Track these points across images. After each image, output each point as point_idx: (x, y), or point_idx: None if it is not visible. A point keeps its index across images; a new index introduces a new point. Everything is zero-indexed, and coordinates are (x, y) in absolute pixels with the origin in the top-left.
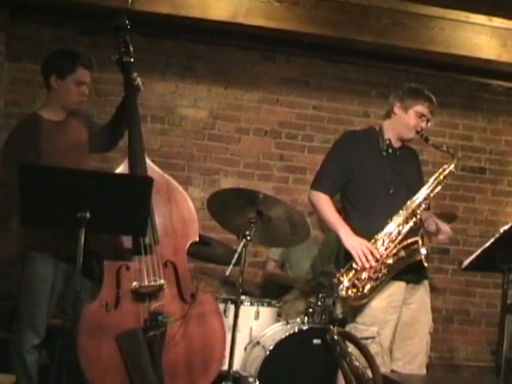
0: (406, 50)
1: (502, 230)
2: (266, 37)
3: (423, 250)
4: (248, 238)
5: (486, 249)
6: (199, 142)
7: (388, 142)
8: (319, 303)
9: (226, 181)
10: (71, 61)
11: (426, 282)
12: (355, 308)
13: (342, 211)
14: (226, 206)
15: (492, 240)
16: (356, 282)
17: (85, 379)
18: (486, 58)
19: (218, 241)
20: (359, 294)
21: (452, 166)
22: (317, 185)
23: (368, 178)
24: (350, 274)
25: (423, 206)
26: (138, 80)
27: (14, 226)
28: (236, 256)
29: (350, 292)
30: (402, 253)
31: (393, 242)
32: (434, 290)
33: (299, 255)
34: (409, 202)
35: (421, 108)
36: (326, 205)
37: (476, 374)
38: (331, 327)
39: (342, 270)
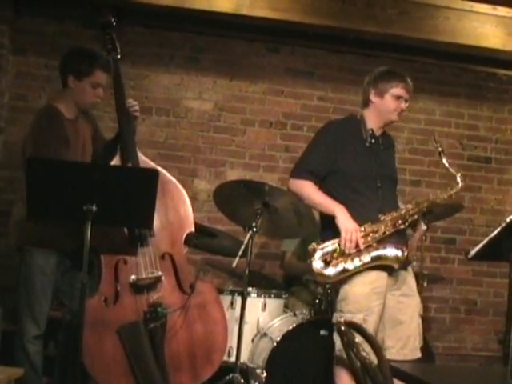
0: (411, 40)
1: (508, 220)
2: (270, 28)
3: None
4: (254, 229)
5: (493, 238)
6: (205, 134)
7: (371, 131)
8: (326, 294)
9: (232, 173)
10: (90, 63)
11: (408, 268)
12: (337, 295)
13: None
14: (232, 198)
15: (498, 229)
16: (328, 259)
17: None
18: (491, 47)
19: (225, 232)
20: (325, 274)
21: (454, 191)
22: (298, 173)
23: (352, 171)
24: (327, 250)
25: (415, 216)
26: (135, 108)
27: (11, 218)
28: (242, 248)
29: (318, 267)
30: (384, 253)
31: (375, 239)
32: (440, 279)
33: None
34: (403, 207)
35: (396, 90)
36: (311, 189)
37: (483, 363)
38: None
39: (322, 244)
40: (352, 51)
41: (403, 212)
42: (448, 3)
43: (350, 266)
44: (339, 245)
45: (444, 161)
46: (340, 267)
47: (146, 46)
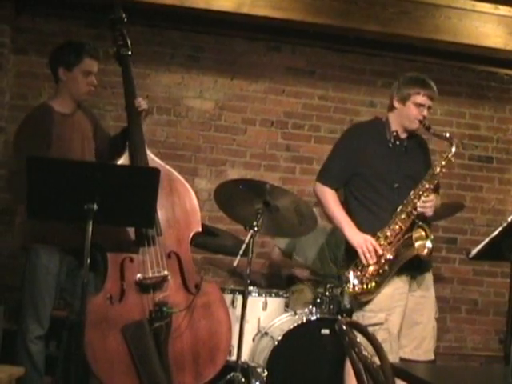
0: (412, 39)
1: (509, 219)
2: (271, 27)
3: (428, 244)
4: (255, 228)
5: (494, 238)
6: (205, 133)
7: (395, 133)
8: (327, 293)
9: (233, 172)
10: (77, 52)
11: (429, 271)
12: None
13: (344, 203)
14: (233, 197)
15: (499, 229)
16: (363, 278)
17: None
18: (492, 46)
19: (226, 232)
20: (365, 290)
21: (450, 154)
22: (322, 178)
23: (373, 172)
24: (357, 272)
25: (423, 198)
26: (143, 105)
27: (17, 218)
28: (243, 247)
29: (356, 289)
30: (401, 248)
31: (396, 236)
32: (441, 279)
33: (307, 245)
34: (411, 195)
35: (417, 98)
36: (331, 200)
37: (484, 363)
38: (339, 317)
39: (350, 268)
40: (353, 50)
41: (411, 199)
42: (449, 2)
43: (383, 273)
44: (361, 261)
45: (433, 132)
46: (375, 279)
47: (146, 45)
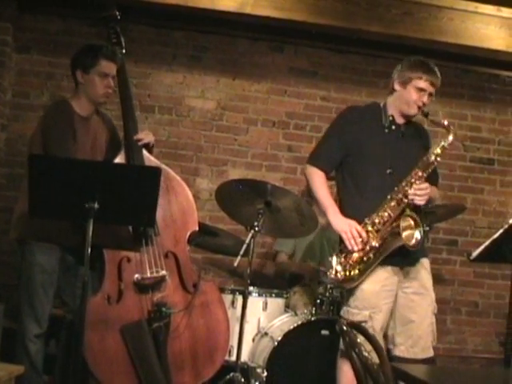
0: (414, 41)
1: (510, 221)
2: (273, 27)
3: (417, 234)
4: (256, 228)
5: (495, 240)
6: (207, 132)
7: (391, 118)
8: (327, 294)
9: (234, 172)
10: (94, 54)
11: (424, 262)
12: (348, 291)
13: (337, 187)
14: (234, 197)
15: (501, 231)
16: (346, 265)
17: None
18: (494, 48)
19: (227, 232)
20: (348, 277)
21: (447, 143)
22: (313, 160)
23: (365, 155)
24: (341, 258)
25: (414, 185)
26: (143, 138)
27: (16, 213)
28: (244, 247)
29: (338, 275)
30: (388, 237)
31: (384, 224)
32: (442, 281)
33: (307, 243)
34: (403, 182)
35: (419, 82)
36: (318, 182)
37: (484, 365)
38: (340, 318)
39: (333, 254)
40: (355, 51)
41: (401, 186)
42: (452, 4)
43: (367, 261)
44: (345, 247)
45: (431, 120)
46: (359, 266)
47: (149, 45)
